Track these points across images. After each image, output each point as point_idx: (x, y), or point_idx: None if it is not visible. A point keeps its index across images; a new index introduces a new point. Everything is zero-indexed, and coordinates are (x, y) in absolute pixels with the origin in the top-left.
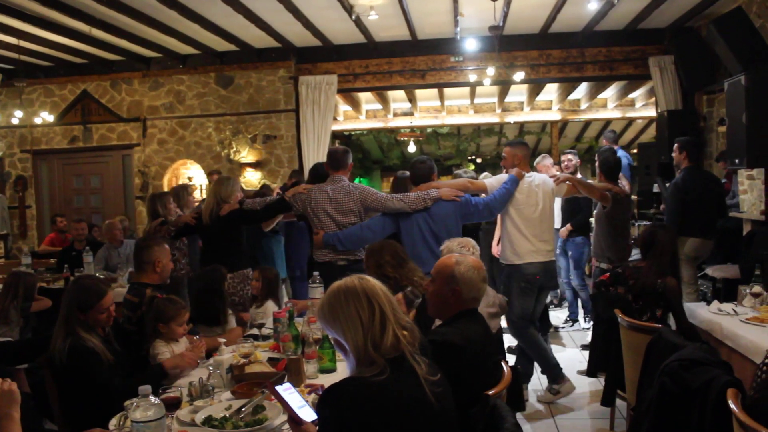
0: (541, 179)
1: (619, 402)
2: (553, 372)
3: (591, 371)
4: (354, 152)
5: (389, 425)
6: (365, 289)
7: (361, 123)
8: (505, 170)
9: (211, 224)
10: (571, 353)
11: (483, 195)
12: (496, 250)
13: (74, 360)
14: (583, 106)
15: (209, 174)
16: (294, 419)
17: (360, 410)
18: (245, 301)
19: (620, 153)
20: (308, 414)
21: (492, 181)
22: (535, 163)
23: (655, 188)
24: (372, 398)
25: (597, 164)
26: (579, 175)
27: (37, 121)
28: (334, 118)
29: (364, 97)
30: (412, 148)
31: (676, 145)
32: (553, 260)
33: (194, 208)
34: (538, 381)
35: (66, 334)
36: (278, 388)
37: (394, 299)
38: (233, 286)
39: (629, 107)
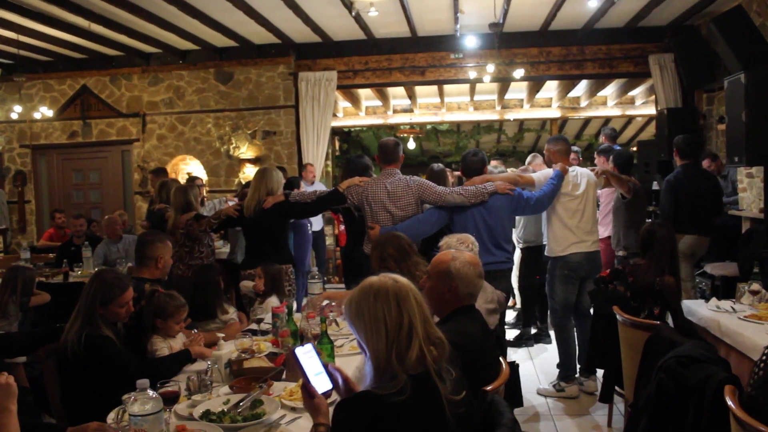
0: (584, 172)
1: (616, 398)
2: (568, 370)
3: (589, 367)
4: (353, 149)
5: None
6: (397, 294)
7: (360, 119)
8: (547, 165)
9: (254, 218)
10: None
11: (529, 189)
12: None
13: (89, 347)
14: (583, 103)
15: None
16: (307, 389)
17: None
18: (282, 298)
19: (617, 150)
20: (323, 383)
21: (538, 175)
22: (526, 162)
23: (655, 186)
24: (388, 421)
25: (610, 159)
26: None
27: (37, 116)
28: (334, 115)
29: (364, 93)
30: (411, 144)
31: None
32: (597, 250)
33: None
34: (536, 377)
35: (82, 326)
36: (298, 350)
37: (427, 308)
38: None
39: (629, 105)
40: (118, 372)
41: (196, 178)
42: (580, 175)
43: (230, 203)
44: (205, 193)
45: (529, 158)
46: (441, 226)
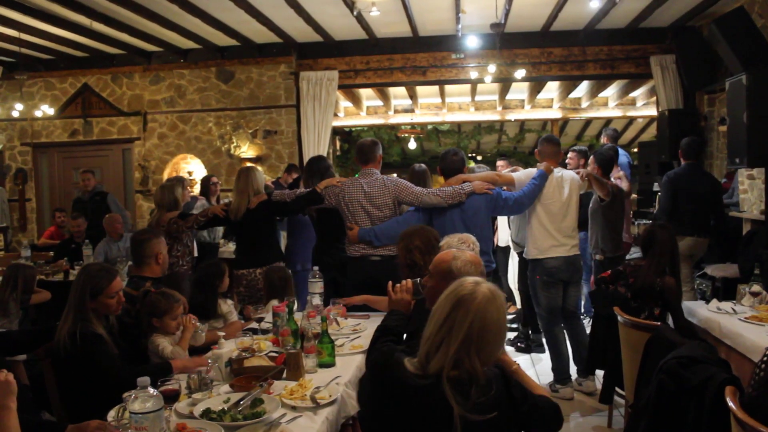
0: (569, 174)
1: (616, 399)
2: (562, 374)
3: (589, 368)
4: (354, 149)
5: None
6: (459, 300)
7: (361, 119)
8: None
9: (241, 217)
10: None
11: (509, 189)
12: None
13: (80, 345)
14: (584, 104)
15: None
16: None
17: (385, 395)
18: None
19: (620, 152)
20: None
21: (520, 174)
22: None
23: (656, 187)
24: (397, 393)
25: (592, 158)
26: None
27: (38, 114)
28: (335, 114)
29: (365, 93)
30: (412, 144)
31: None
32: (578, 254)
33: (224, 200)
34: (536, 380)
35: (74, 321)
36: None
37: (488, 335)
38: (262, 281)
39: (630, 106)
40: (105, 372)
41: (211, 176)
42: (565, 177)
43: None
44: (219, 191)
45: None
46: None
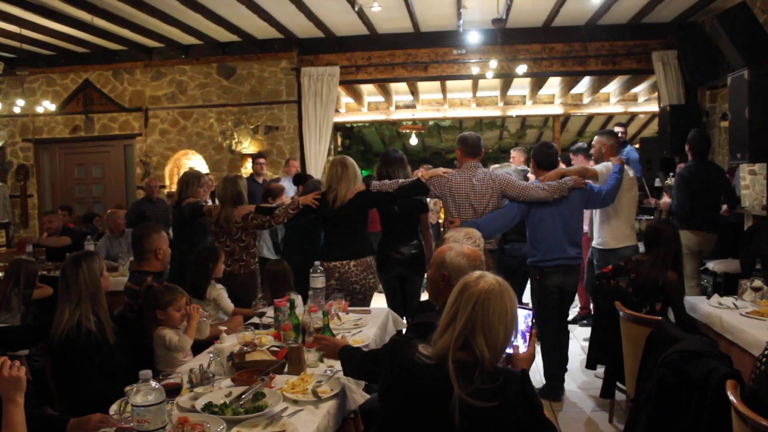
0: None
1: (617, 394)
2: None
3: (591, 363)
4: (355, 144)
5: (402, 400)
6: (465, 287)
7: (363, 115)
8: (593, 159)
9: (336, 209)
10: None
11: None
12: None
13: (81, 339)
14: (586, 100)
15: None
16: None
17: (393, 375)
18: (367, 290)
19: (627, 148)
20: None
21: (600, 168)
22: (511, 157)
23: (657, 183)
24: (405, 373)
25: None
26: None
27: (39, 110)
28: (336, 110)
29: (366, 89)
30: (413, 140)
31: None
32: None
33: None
34: (538, 374)
35: (76, 313)
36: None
37: (499, 329)
38: (356, 274)
39: (632, 102)
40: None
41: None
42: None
43: None
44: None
45: (513, 152)
46: (519, 220)
